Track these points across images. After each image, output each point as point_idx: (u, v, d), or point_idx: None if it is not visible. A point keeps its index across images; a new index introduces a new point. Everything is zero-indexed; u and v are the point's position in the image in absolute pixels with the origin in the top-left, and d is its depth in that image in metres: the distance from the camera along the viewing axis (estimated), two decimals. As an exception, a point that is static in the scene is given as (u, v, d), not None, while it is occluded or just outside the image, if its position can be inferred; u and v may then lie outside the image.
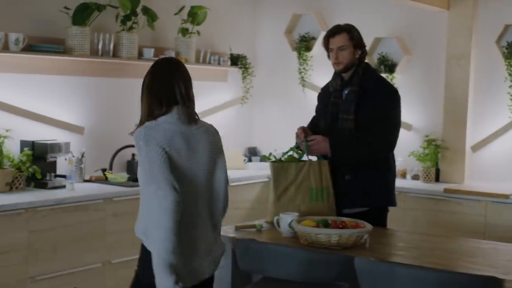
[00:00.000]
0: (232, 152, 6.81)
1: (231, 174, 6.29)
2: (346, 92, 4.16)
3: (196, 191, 3.13)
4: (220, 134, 7.20)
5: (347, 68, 4.13)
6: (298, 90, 7.00)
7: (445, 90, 6.23)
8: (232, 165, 6.67)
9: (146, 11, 5.80)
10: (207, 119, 6.63)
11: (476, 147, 6.20)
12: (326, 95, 4.30)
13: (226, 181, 3.25)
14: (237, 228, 3.91)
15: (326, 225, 3.57)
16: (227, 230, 3.85)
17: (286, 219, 3.71)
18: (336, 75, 4.22)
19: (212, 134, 3.26)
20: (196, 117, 3.22)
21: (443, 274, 2.80)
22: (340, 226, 3.55)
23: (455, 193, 5.67)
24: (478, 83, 6.21)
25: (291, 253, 3.19)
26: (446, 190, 5.72)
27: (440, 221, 5.70)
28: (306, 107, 6.92)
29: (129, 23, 5.73)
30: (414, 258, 3.30)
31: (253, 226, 3.95)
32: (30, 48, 5.15)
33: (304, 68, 6.93)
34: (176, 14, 6.18)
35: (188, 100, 3.17)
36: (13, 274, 4.55)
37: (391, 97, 4.14)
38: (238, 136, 7.19)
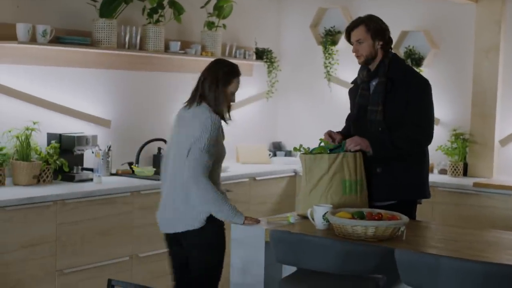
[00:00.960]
0: (257, 146, 6.78)
1: (256, 168, 6.36)
2: (373, 83, 4.13)
3: (170, 159, 3.85)
4: (245, 128, 7.22)
5: (368, 60, 4.12)
6: (324, 85, 6.94)
7: (473, 84, 6.15)
8: (257, 159, 6.65)
9: (173, 4, 5.76)
10: (232, 113, 6.70)
11: (504, 141, 6.12)
12: (355, 88, 4.27)
13: (186, 156, 3.70)
14: (269, 221, 3.87)
15: (361, 217, 3.52)
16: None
17: (320, 211, 3.66)
18: (363, 66, 4.19)
19: (195, 118, 3.77)
20: (197, 103, 3.84)
21: (489, 266, 2.73)
22: (376, 218, 3.49)
23: (485, 187, 5.60)
24: (507, 76, 6.12)
25: (329, 245, 3.13)
26: (475, 184, 5.65)
27: (470, 215, 5.63)
28: (332, 102, 6.89)
29: (155, 16, 5.70)
30: (454, 251, 3.24)
31: (285, 219, 3.90)
32: (57, 40, 5.13)
33: (329, 62, 6.86)
34: (202, 7, 6.14)
35: (202, 91, 3.86)
36: (41, 267, 4.52)
37: (423, 88, 4.10)
38: (263, 131, 7.15)
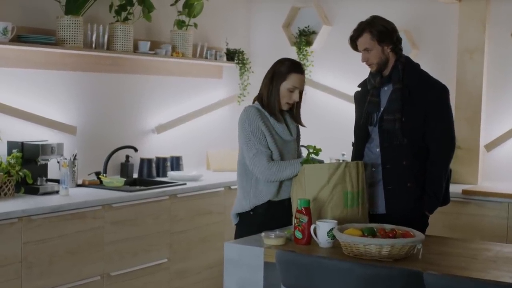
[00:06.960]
0: (227, 153, 6.40)
1: (230, 176, 5.95)
2: (385, 88, 3.89)
3: None
4: (215, 133, 6.82)
5: (381, 67, 3.88)
6: (298, 87, 6.60)
7: (457, 86, 5.89)
8: (229, 166, 6.25)
9: (142, 1, 5.34)
10: (202, 118, 6.35)
11: (490, 146, 5.87)
12: (364, 94, 3.99)
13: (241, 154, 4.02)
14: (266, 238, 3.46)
15: (372, 233, 3.18)
16: (254, 239, 3.45)
17: (325, 227, 3.30)
18: (375, 73, 3.93)
19: None
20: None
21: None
22: (391, 235, 3.15)
23: (475, 195, 5.33)
24: (492, 78, 5.88)
25: (349, 268, 2.76)
26: (464, 192, 5.38)
27: (459, 224, 5.36)
28: (306, 105, 6.52)
29: (124, 14, 5.28)
30: (481, 272, 2.91)
31: (284, 235, 3.50)
32: (18, 39, 4.68)
33: (304, 64, 6.53)
34: (172, 5, 5.74)
35: (260, 89, 4.02)
36: (4, 291, 4.07)
37: (442, 96, 3.92)
38: (234, 136, 6.72)
